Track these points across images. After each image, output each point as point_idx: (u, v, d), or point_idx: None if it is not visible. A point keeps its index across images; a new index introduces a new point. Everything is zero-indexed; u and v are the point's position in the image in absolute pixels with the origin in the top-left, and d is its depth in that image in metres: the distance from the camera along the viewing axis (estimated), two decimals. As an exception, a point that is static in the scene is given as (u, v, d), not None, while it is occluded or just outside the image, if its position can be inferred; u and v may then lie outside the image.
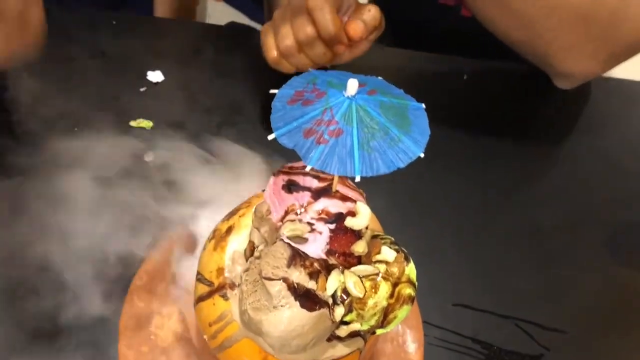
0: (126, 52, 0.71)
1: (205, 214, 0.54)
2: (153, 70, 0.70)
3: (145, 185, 0.58)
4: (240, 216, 0.40)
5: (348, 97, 0.32)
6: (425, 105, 0.34)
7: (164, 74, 0.70)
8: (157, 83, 0.69)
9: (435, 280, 0.56)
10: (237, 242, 0.39)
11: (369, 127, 0.31)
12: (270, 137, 0.31)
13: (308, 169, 0.30)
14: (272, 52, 0.62)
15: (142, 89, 0.68)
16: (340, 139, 0.31)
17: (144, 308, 0.52)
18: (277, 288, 0.34)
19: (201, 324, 0.40)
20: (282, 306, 0.34)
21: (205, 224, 0.53)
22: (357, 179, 0.30)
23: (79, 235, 0.52)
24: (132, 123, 0.64)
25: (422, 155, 0.31)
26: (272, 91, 0.33)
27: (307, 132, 0.31)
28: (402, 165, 0.31)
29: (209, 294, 0.38)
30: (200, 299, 0.39)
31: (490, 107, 0.75)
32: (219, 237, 0.40)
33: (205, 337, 0.40)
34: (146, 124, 0.64)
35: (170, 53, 0.72)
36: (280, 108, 0.32)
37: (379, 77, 0.35)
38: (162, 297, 0.53)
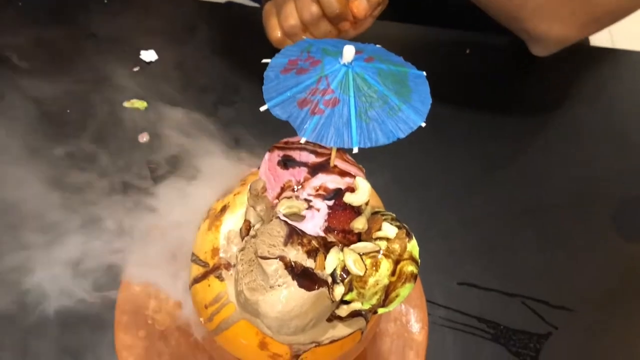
0: (118, 31, 0.69)
1: (201, 193, 0.52)
2: (146, 49, 0.68)
3: (140, 166, 0.57)
4: (235, 195, 0.39)
5: (344, 65, 0.30)
6: (427, 79, 0.32)
7: (157, 53, 0.68)
8: (150, 62, 0.67)
9: (439, 259, 0.55)
10: (232, 222, 0.38)
11: (367, 95, 0.29)
12: (263, 108, 0.29)
13: (303, 140, 0.29)
14: (275, 32, 0.60)
15: (135, 69, 0.66)
16: (337, 108, 0.29)
17: (141, 292, 0.51)
18: (274, 267, 0.33)
19: (197, 306, 0.39)
20: (279, 286, 0.33)
21: (202, 204, 0.51)
22: (355, 150, 0.28)
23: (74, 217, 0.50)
24: (126, 104, 0.63)
25: (423, 124, 0.30)
26: (264, 61, 0.32)
27: (301, 102, 0.29)
28: (402, 135, 0.29)
29: (204, 275, 0.37)
30: (195, 281, 0.38)
31: (493, 80, 0.73)
32: (214, 216, 0.39)
33: (201, 320, 0.38)
34: (140, 104, 0.63)
35: (164, 31, 0.70)
36: (273, 78, 0.31)
37: (377, 45, 0.33)
38: (160, 281, 0.52)
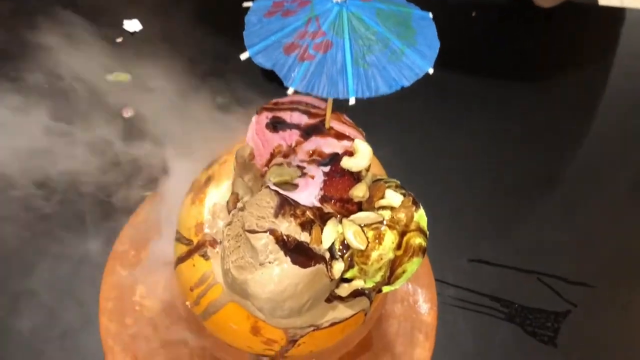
0: (100, 0, 0.65)
1: (192, 168, 0.49)
2: (129, 18, 0.64)
3: (125, 140, 0.53)
4: (220, 164, 0.35)
5: (337, 3, 0.26)
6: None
7: (141, 22, 0.64)
8: (134, 33, 0.63)
9: (448, 234, 0.51)
10: (217, 194, 0.34)
11: (365, 38, 0.25)
12: (243, 56, 0.25)
13: (290, 91, 0.25)
14: None
15: (118, 40, 0.62)
16: (329, 53, 0.25)
17: (127, 277, 0.48)
18: (263, 242, 0.29)
19: (182, 288, 0.35)
20: (269, 263, 0.29)
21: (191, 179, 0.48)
22: (352, 101, 0.25)
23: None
24: (109, 77, 0.59)
25: (431, 71, 0.26)
26: (245, 4, 0.28)
27: (288, 48, 0.25)
28: (406, 83, 0.25)
29: (188, 254, 0.34)
30: (179, 261, 0.35)
31: (499, 43, 0.68)
32: (198, 188, 0.35)
33: (187, 304, 0.35)
34: (124, 77, 0.59)
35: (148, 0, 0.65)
36: (256, 22, 0.27)
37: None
38: (148, 264, 0.48)
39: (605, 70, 0.69)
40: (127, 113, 0.56)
